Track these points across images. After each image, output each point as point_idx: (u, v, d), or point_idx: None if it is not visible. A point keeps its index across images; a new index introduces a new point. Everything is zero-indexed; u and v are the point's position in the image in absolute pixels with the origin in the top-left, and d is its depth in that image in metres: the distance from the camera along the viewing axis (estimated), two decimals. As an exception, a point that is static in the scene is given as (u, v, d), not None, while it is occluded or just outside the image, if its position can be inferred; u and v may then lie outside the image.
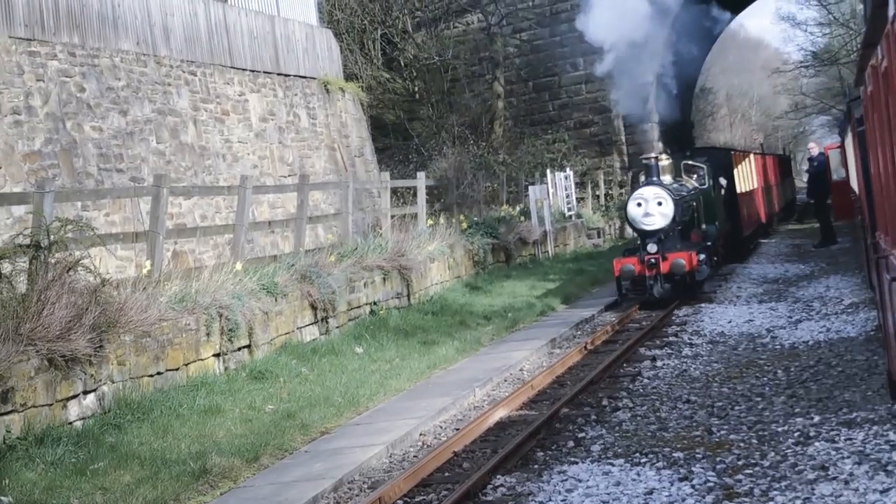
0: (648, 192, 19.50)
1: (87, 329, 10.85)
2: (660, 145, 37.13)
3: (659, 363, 13.67)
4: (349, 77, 34.70)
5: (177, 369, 12.49)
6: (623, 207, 22.93)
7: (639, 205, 19.48)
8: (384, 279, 18.55)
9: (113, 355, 11.39)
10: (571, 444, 10.15)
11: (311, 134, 26.38)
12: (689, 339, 15.32)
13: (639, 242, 19.64)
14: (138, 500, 8.92)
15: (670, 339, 15.42)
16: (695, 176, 22.81)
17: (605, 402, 11.70)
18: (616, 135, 38.63)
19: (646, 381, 12.70)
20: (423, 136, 40.09)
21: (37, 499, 8.85)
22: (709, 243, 21.09)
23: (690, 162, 23.26)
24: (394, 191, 25.82)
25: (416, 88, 41.94)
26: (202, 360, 12.99)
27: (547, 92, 39.32)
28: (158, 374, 12.17)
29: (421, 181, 23.60)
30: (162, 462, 9.88)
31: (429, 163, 35.71)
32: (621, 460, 9.28)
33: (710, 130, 72.04)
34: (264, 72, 25.22)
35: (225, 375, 13.18)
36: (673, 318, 18.33)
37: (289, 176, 24.27)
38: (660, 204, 19.34)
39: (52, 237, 11.16)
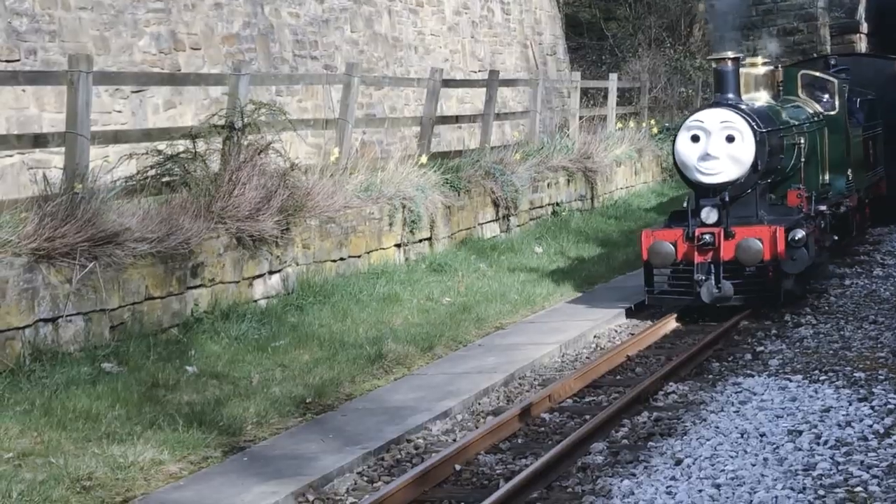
0: (712, 119, 11.73)
1: (275, 211, 11.12)
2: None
3: (847, 282, 13.22)
4: (546, -26, 34.12)
5: (359, 256, 12.72)
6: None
7: (694, 139, 11.74)
8: (568, 181, 18.41)
9: (298, 238, 11.66)
10: (749, 356, 9.96)
11: (503, 30, 26.16)
12: (882, 258, 14.75)
13: (686, 204, 11.97)
14: (315, 378, 9.17)
15: (861, 257, 14.89)
16: (825, 96, 14.45)
17: (787, 318, 11.41)
18: (821, 44, 37.13)
19: (832, 298, 12.31)
20: (618, 36, 39.34)
21: (220, 371, 9.20)
22: (823, 208, 12.79)
23: (814, 72, 14.78)
24: (584, 91, 25.47)
25: (614, -12, 41.01)
26: (383, 249, 13.19)
27: (751, -4, 38.00)
28: (341, 259, 12.42)
29: (612, 83, 23.20)
30: (340, 344, 10.12)
31: (622, 64, 35.04)
32: (799, 376, 9.06)
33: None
34: (461, -35, 25.00)
35: (405, 265, 13.36)
36: (865, 236, 15.32)
37: (479, 71, 24.18)
38: (730, 140, 11.63)
39: (245, 119, 11.41)
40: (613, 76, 23.73)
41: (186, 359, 9.29)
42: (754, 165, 11.67)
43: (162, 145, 11.08)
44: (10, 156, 11.80)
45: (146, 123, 13.62)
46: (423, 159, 14.73)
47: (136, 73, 13.18)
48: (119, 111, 13.60)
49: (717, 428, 7.79)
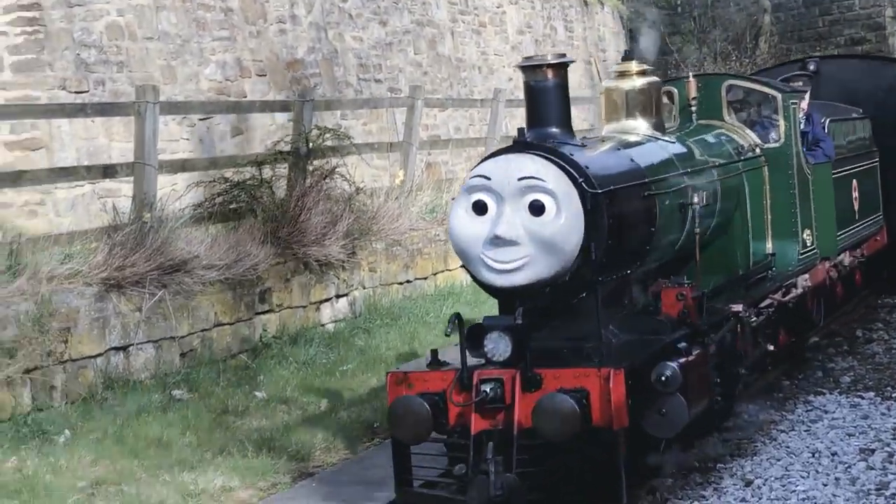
0: (504, 173, 6.73)
1: (341, 235, 11.21)
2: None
3: (921, 294, 12.99)
4: (609, -11, 34.11)
5: (425, 278, 12.76)
6: None
7: (478, 208, 6.79)
8: (635, 196, 18.32)
9: (364, 262, 11.73)
10: (819, 374, 9.82)
11: (567, 47, 26.15)
12: (957, 270, 14.47)
13: (448, 328, 6.74)
14: (383, 402, 9.16)
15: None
16: (774, 117, 9.57)
17: (858, 333, 11.24)
18: (890, 53, 36.67)
19: (906, 312, 12.11)
20: (683, 50, 39.15)
21: (289, 396, 9.26)
22: (738, 307, 7.94)
23: (744, 83, 10.04)
24: (650, 107, 25.41)
25: (679, 1, 40.88)
26: (450, 270, 13.22)
27: (817, 7, 37.57)
28: (407, 282, 12.47)
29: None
30: (407, 368, 10.13)
31: (688, 78, 34.85)
32: (871, 393, 8.93)
33: None
34: (523, -17, 25.05)
35: (471, 287, 13.35)
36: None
37: (544, 89, 24.19)
38: (537, 210, 6.64)
39: (310, 144, 11.53)
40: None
41: (255, 384, 9.37)
42: (584, 252, 6.63)
43: (228, 172, 11.21)
44: (81, 186, 12.02)
45: (213, 151, 13.78)
46: (488, 180, 14.74)
47: (203, 102, 13.36)
48: (186, 139, 13.79)
49: (788, 448, 7.71)
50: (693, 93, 9.26)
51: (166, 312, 9.19)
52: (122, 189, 11.88)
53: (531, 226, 6.59)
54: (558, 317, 6.89)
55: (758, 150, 9.37)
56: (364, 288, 11.74)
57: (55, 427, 7.91)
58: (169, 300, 9.19)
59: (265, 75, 15.56)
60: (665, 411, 6.49)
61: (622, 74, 8.42)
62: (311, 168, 11.48)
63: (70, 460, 7.45)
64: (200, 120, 13.93)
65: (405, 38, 20.01)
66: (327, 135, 11.91)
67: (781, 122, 9.50)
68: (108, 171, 10.55)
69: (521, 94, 21.49)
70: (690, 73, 9.72)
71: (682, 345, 6.89)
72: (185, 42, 14.10)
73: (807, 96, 10.40)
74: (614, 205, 6.88)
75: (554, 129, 7.03)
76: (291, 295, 10.70)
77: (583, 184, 6.69)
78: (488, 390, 6.41)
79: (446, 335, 6.69)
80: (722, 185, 8.54)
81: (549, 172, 6.66)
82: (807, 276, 9.49)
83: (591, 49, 27.50)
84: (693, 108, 9.22)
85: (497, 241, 6.62)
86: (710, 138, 9.02)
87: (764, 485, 6.99)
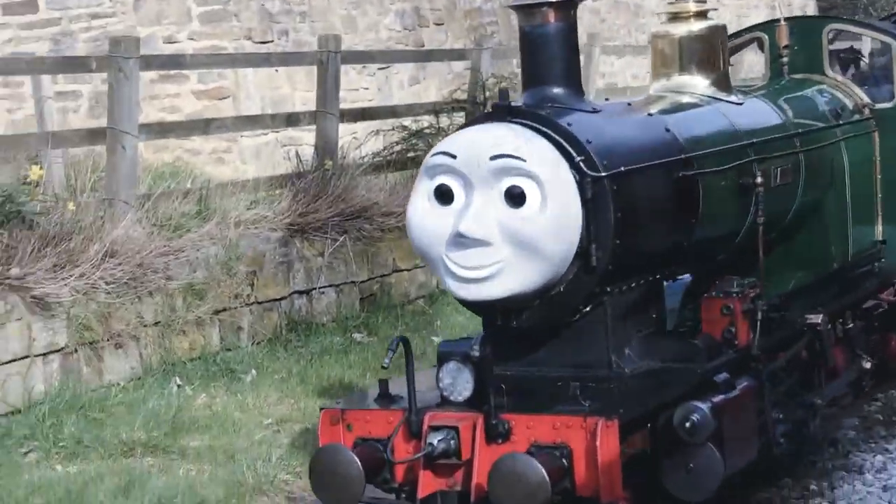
0: (474, 150, 4.87)
1: (512, 185, 11.22)
2: None
3: None
4: (794, -69, 33.05)
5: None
6: None
7: (442, 195, 4.94)
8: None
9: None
10: None
11: (749, -9, 25.50)
12: None
13: (390, 355, 5.07)
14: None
15: None
16: (895, 70, 7.24)
17: None
18: None
19: None
20: (872, -7, 37.72)
21: (464, 341, 9.37)
22: (816, 318, 6.05)
23: (852, 28, 8.08)
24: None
25: (868, -58, 39.31)
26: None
27: None
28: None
29: (865, 43, 22.27)
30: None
31: (876, 23, 33.56)
32: None
33: None
34: (704, -73, 24.47)
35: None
36: None
37: (724, 36, 23.67)
38: (516, 199, 4.79)
39: (487, 93, 11.56)
40: (866, 39, 22.73)
41: (432, 330, 9.51)
42: (583, 256, 4.94)
43: (407, 121, 11.35)
44: (265, 134, 12.35)
45: (391, 100, 13.97)
46: (666, 128, 14.55)
47: (382, 52, 13.53)
48: (366, 88, 14.00)
49: (979, 403, 7.46)
50: (784, 40, 7.23)
51: (347, 258, 9.40)
52: (304, 137, 12.17)
53: (507, 221, 4.83)
54: (554, 338, 5.13)
55: (866, 112, 7.27)
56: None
57: (242, 366, 8.21)
58: (350, 246, 9.40)
59: (443, 24, 15.65)
60: (693, 467, 4.84)
61: (675, 17, 6.41)
62: (488, 116, 11.52)
63: (256, 398, 7.73)
64: (380, 69, 14.11)
65: (583, -16, 19.82)
66: (504, 83, 11.93)
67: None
68: (292, 120, 10.79)
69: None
70: (782, 17, 7.44)
71: (723, 376, 5.14)
72: (365, -8, 14.29)
73: None
74: (628, 191, 5.04)
75: (556, 90, 5.19)
76: (464, 243, 10.80)
77: (580, 163, 4.90)
78: (436, 442, 4.81)
79: (383, 367, 5.11)
80: (807, 157, 6.47)
81: (532, 149, 4.86)
82: None
83: (775, -7, 26.74)
84: (784, 60, 7.24)
85: (462, 241, 4.87)
86: (800, 97, 7.01)
87: (952, 440, 6.81)
